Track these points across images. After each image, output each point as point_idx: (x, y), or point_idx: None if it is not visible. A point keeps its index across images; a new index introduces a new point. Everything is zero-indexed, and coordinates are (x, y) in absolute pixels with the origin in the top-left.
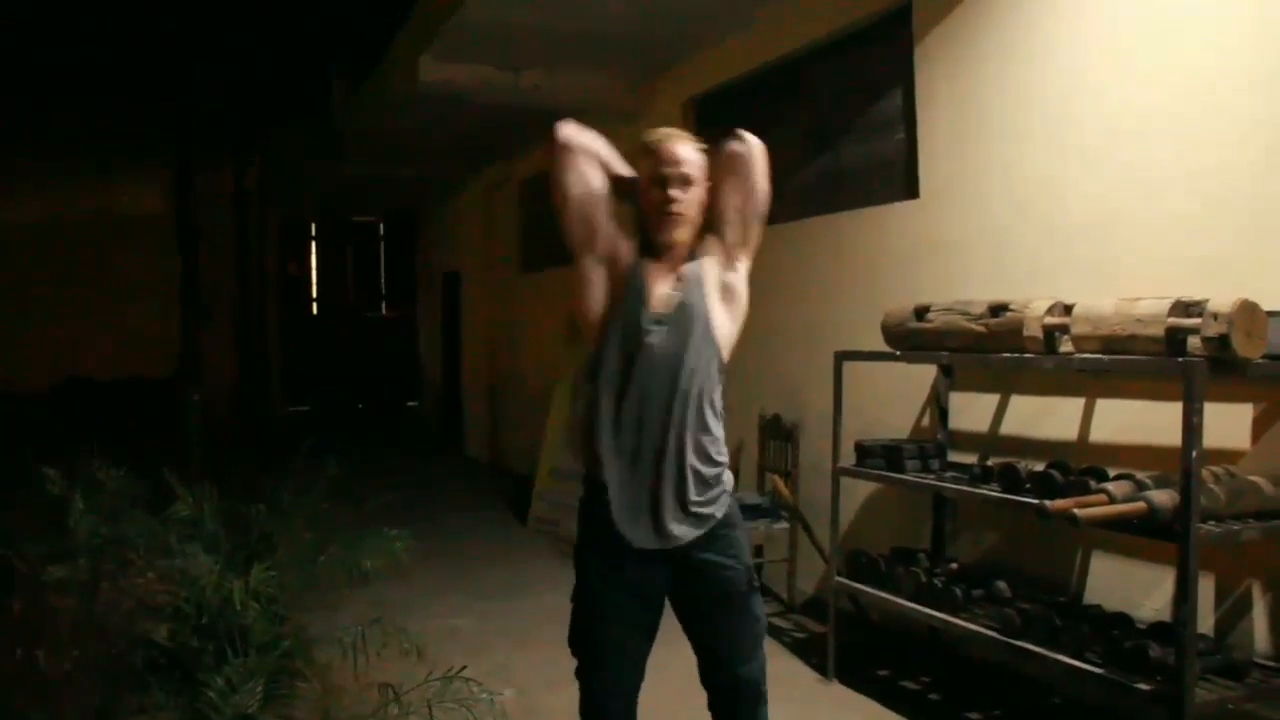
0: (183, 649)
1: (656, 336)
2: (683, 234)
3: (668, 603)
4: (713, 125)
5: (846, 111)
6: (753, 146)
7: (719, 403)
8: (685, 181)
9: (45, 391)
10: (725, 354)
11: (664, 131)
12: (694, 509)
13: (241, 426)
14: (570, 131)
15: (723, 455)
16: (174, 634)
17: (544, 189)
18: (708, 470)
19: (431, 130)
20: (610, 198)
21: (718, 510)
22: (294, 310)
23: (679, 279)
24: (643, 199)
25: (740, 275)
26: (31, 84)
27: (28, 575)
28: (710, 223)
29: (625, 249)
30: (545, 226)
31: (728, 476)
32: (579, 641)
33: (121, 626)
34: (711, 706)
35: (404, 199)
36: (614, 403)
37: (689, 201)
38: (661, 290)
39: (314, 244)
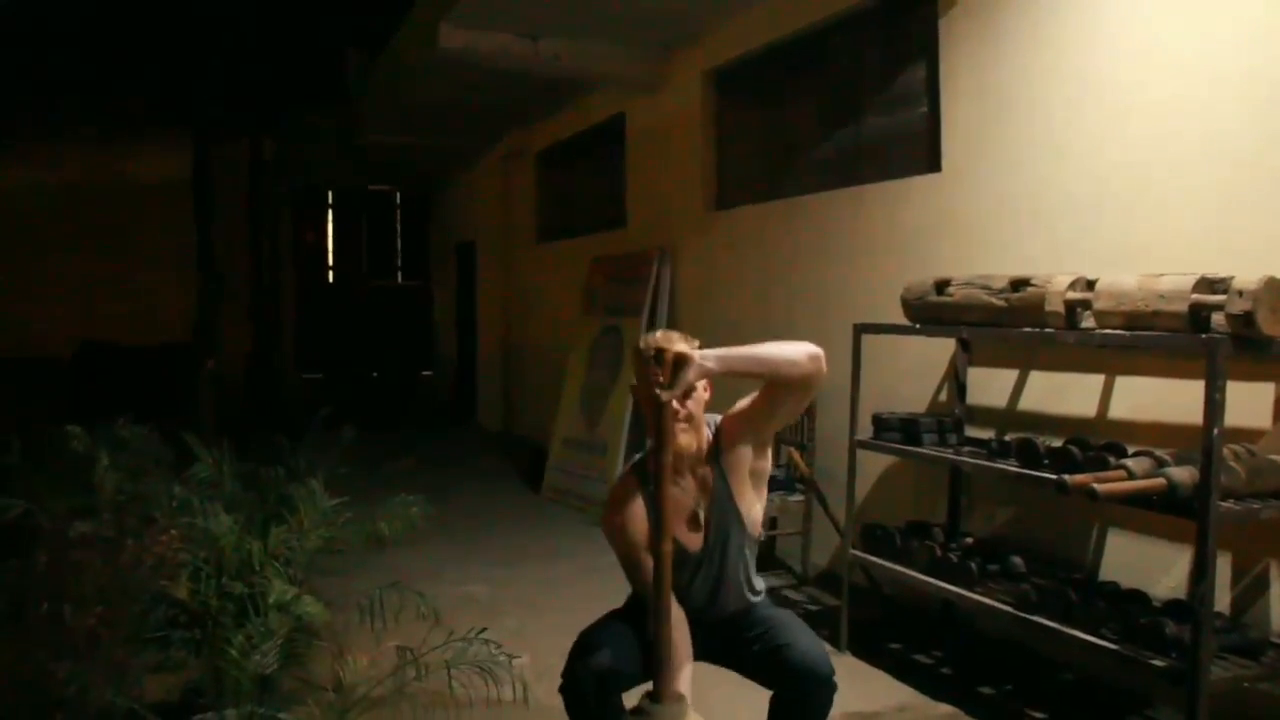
0: (203, 607)
1: (702, 564)
2: (688, 441)
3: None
4: (733, 97)
5: (869, 84)
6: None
7: (753, 559)
8: (685, 393)
9: (63, 356)
10: (757, 531)
11: (658, 338)
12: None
13: (256, 393)
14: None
15: (757, 586)
16: (195, 592)
17: (561, 159)
18: (750, 607)
19: (449, 98)
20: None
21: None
22: (309, 279)
23: (703, 489)
24: (646, 411)
25: (768, 458)
26: (51, 53)
27: (52, 531)
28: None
29: (638, 508)
30: (561, 197)
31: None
32: (589, 629)
33: (144, 583)
34: (780, 695)
35: (420, 169)
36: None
37: (691, 409)
38: (688, 492)
39: (330, 213)
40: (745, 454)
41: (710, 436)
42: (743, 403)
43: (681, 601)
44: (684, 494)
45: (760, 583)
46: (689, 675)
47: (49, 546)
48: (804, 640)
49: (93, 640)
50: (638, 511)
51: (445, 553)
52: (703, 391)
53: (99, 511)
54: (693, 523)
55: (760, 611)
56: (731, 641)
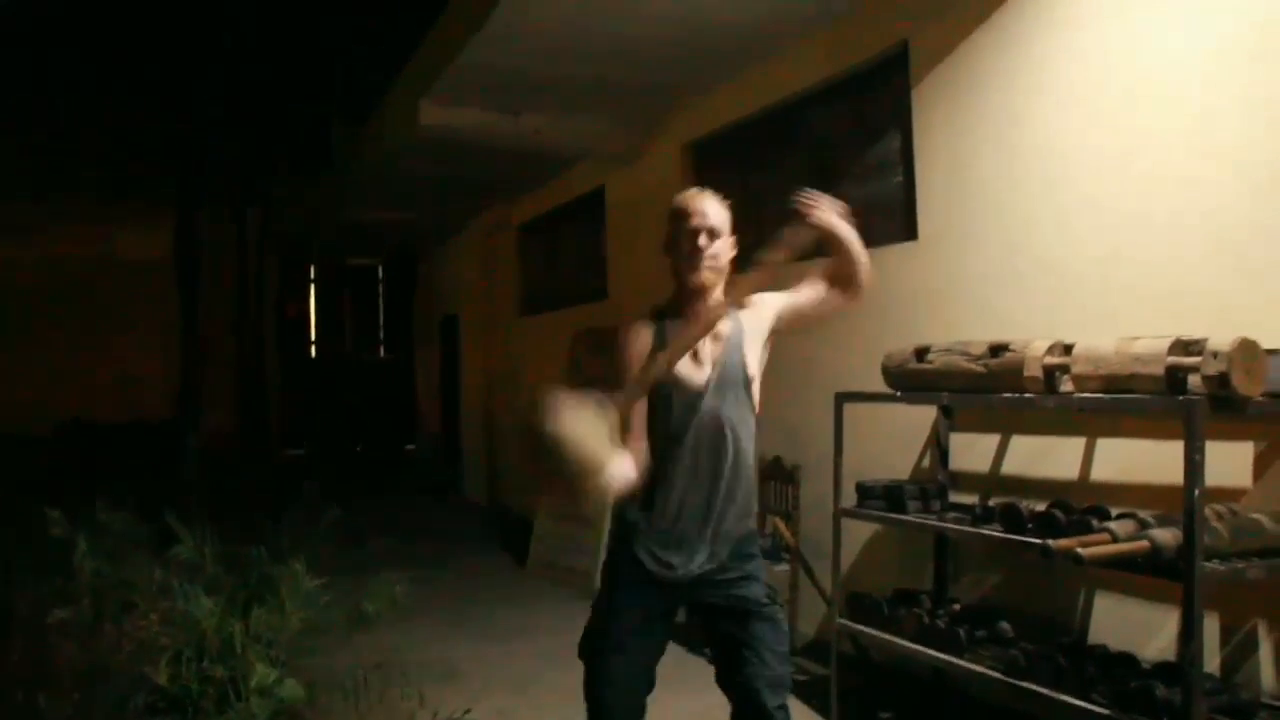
0: (184, 692)
1: (704, 400)
2: (712, 279)
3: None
4: (711, 169)
5: (845, 154)
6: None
7: (752, 449)
8: (712, 233)
9: (46, 434)
10: (757, 405)
11: (690, 192)
12: (727, 545)
13: (240, 470)
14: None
15: (754, 496)
16: (175, 677)
17: (542, 231)
18: (743, 512)
19: (431, 174)
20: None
21: (743, 542)
22: (292, 353)
23: (717, 337)
24: (674, 256)
25: (768, 351)
26: (37, 129)
27: (29, 617)
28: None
29: (646, 333)
30: (543, 269)
31: (754, 510)
32: (588, 650)
33: (123, 669)
34: (734, 716)
35: (403, 242)
36: (674, 458)
37: (717, 249)
38: (700, 348)
39: (313, 287)
40: (764, 329)
41: (738, 300)
42: (780, 293)
43: (674, 447)
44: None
45: (754, 490)
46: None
47: (25, 633)
48: (771, 700)
49: None
50: (646, 336)
51: (431, 629)
52: (731, 247)
53: (78, 596)
54: (695, 357)
55: (759, 627)
56: (726, 620)
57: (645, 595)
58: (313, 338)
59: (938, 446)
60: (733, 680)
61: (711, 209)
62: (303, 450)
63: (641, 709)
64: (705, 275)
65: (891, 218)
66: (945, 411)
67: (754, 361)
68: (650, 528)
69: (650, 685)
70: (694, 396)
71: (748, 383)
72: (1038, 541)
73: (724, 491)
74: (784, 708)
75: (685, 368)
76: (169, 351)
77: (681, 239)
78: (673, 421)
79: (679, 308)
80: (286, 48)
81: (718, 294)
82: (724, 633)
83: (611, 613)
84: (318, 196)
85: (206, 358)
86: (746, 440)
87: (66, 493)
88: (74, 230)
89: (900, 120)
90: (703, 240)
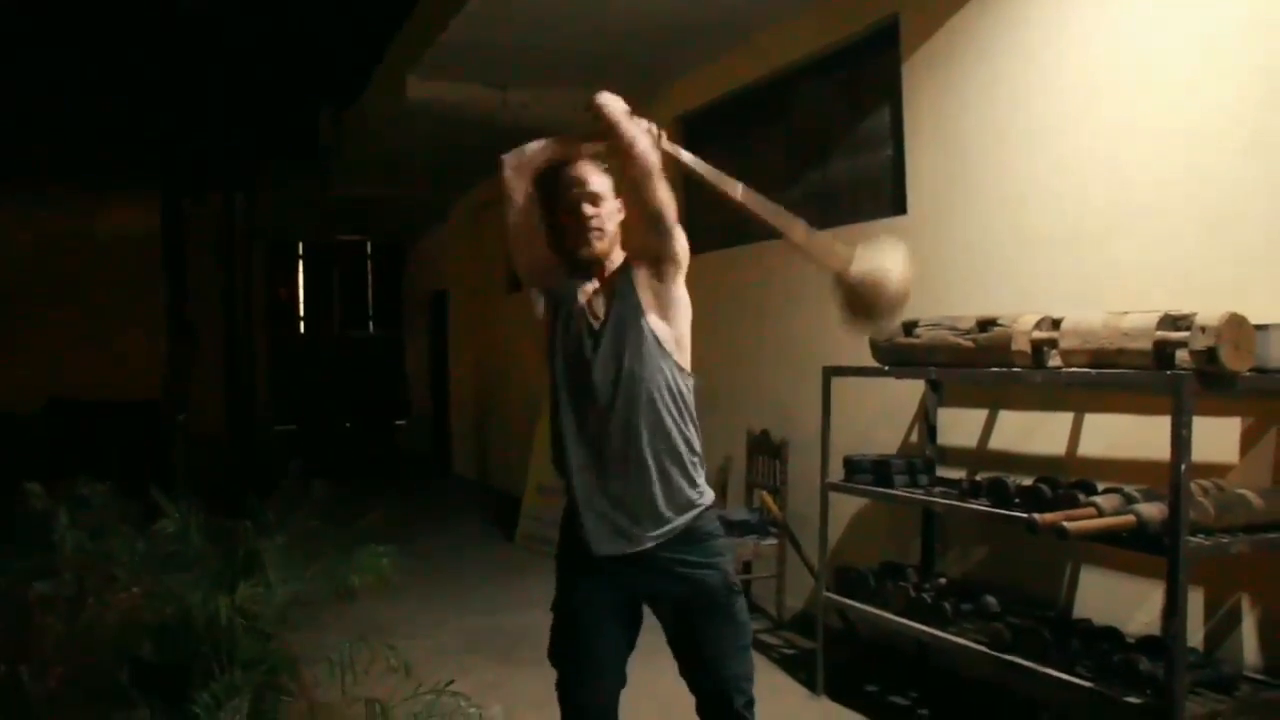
0: (168, 665)
1: (597, 351)
2: (602, 246)
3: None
4: (702, 142)
5: (835, 128)
6: (639, 161)
7: (684, 407)
8: (594, 200)
9: (29, 412)
10: (679, 357)
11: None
12: (660, 512)
13: (228, 447)
14: (509, 159)
15: (693, 459)
16: (159, 650)
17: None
18: (674, 473)
19: (418, 150)
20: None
21: (686, 514)
22: (281, 330)
23: (610, 294)
24: (560, 225)
25: (672, 282)
26: (21, 108)
27: (10, 591)
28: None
29: (560, 275)
30: None
31: (703, 485)
32: (556, 653)
33: (107, 643)
34: (699, 711)
35: (391, 219)
36: (572, 417)
37: (600, 216)
38: (595, 306)
39: (301, 264)
40: (648, 277)
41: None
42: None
43: (576, 405)
44: (583, 291)
45: (691, 455)
46: None
47: (7, 608)
48: (734, 657)
49: (53, 702)
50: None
51: (419, 603)
52: (618, 211)
53: (59, 571)
54: (590, 308)
55: (721, 623)
56: (685, 614)
57: (597, 587)
58: (301, 314)
59: (925, 421)
60: (696, 680)
61: (592, 175)
62: (292, 426)
63: (613, 707)
64: (596, 246)
65: (881, 192)
66: (933, 386)
67: (650, 304)
68: (578, 503)
69: (621, 682)
70: (584, 350)
71: (641, 311)
72: (1024, 516)
73: (635, 452)
74: (750, 704)
75: (571, 323)
76: (157, 331)
77: (563, 212)
78: (567, 379)
79: (575, 276)
80: (276, 28)
81: (615, 260)
82: (684, 629)
83: (570, 613)
84: (306, 175)
85: (194, 335)
86: (658, 390)
87: (53, 470)
88: (61, 208)
89: (890, 94)
90: (587, 209)
